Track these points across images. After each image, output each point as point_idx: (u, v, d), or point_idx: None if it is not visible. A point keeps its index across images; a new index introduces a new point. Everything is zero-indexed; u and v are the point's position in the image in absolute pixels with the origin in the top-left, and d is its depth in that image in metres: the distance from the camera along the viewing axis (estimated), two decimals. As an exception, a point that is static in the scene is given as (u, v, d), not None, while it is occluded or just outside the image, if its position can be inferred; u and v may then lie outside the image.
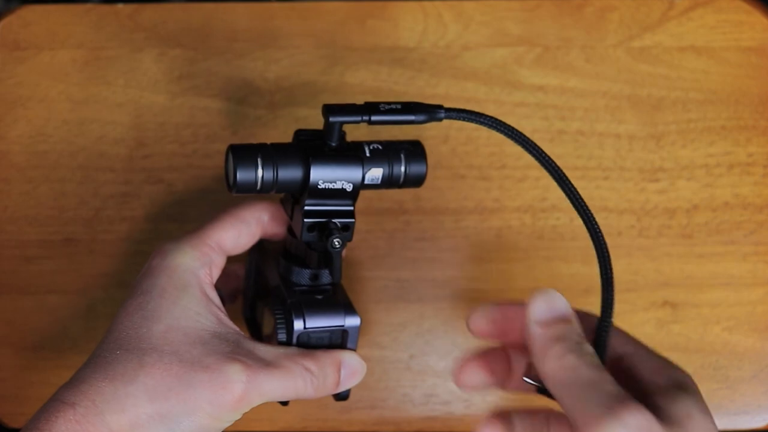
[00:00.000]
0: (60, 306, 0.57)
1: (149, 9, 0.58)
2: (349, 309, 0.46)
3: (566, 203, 0.58)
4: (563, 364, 0.40)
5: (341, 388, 0.46)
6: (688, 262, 0.57)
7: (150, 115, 0.58)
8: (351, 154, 0.45)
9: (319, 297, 0.46)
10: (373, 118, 0.43)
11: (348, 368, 0.46)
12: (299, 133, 0.46)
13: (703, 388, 0.57)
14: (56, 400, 0.41)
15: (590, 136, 0.58)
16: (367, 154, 0.46)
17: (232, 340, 0.44)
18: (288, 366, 0.44)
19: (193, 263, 0.46)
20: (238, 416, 0.44)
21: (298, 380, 0.44)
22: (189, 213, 0.57)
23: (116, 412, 0.41)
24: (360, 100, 0.44)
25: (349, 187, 0.45)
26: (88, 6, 0.59)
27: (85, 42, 0.58)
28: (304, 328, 0.45)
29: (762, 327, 0.57)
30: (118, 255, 0.57)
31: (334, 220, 0.45)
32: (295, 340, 0.46)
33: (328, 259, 0.46)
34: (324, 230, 0.45)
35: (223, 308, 0.46)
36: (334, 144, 0.45)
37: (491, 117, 0.44)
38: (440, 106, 0.44)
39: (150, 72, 0.58)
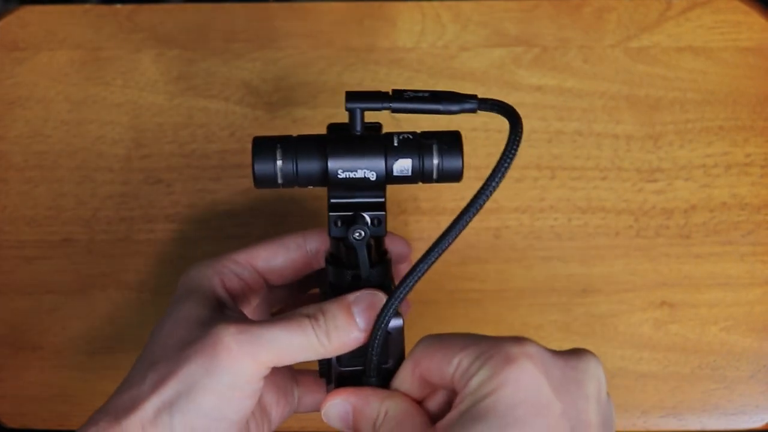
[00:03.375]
0: (59, 306, 0.57)
1: (147, 9, 0.58)
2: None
3: (564, 204, 0.58)
4: None
5: (362, 325, 0.42)
6: (686, 262, 0.57)
7: (148, 115, 0.58)
8: (373, 142, 0.42)
9: None
10: (394, 105, 0.40)
11: (360, 304, 0.42)
12: (331, 127, 0.44)
13: (701, 388, 0.57)
14: (87, 424, 0.41)
15: (588, 136, 0.58)
16: (395, 144, 0.42)
17: (234, 317, 0.42)
18: (286, 317, 0.41)
19: (205, 271, 0.45)
20: (246, 391, 0.41)
21: (300, 329, 0.41)
22: (187, 213, 0.58)
23: (129, 415, 0.40)
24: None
25: (372, 176, 0.42)
26: (87, 6, 0.59)
27: (83, 42, 0.58)
28: None
29: (760, 327, 0.57)
30: (117, 255, 0.57)
31: (362, 213, 0.42)
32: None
33: (354, 254, 0.43)
34: (351, 224, 0.42)
35: (238, 309, 0.45)
36: (357, 132, 0.42)
37: (518, 116, 0.40)
38: (474, 96, 0.41)
39: (148, 72, 0.58)
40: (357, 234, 0.42)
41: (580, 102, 0.58)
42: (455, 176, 0.43)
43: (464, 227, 0.39)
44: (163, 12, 0.58)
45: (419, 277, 0.39)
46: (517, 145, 0.39)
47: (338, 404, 0.43)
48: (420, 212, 0.58)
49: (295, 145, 0.42)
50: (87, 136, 0.58)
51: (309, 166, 0.42)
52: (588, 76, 0.58)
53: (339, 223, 0.43)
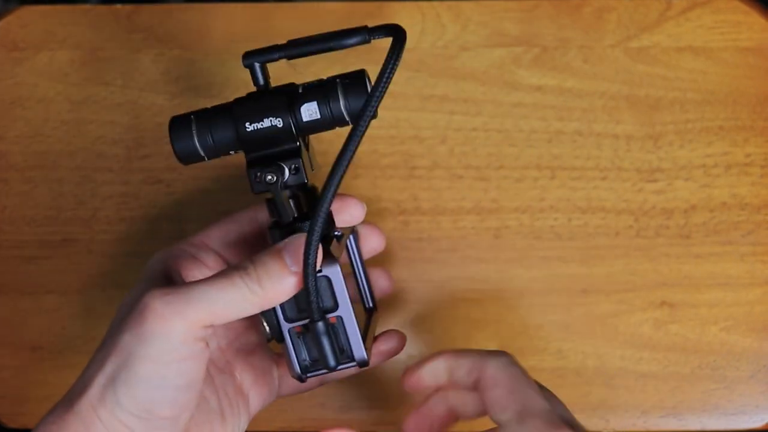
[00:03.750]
0: (58, 306, 0.57)
1: (147, 10, 0.58)
2: (330, 258, 0.43)
3: (564, 204, 0.58)
4: None
5: (294, 267, 0.40)
6: (686, 262, 0.57)
7: (148, 115, 0.58)
8: (277, 92, 0.43)
9: None
10: (290, 52, 0.42)
11: (290, 247, 0.41)
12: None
13: (701, 388, 0.57)
14: (46, 414, 0.42)
15: (588, 136, 0.58)
16: (300, 91, 0.43)
17: (162, 286, 0.41)
18: (216, 274, 0.40)
19: (159, 257, 0.46)
20: (183, 353, 0.39)
21: (229, 281, 0.40)
22: (187, 213, 0.58)
23: (81, 397, 0.40)
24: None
25: (279, 123, 0.42)
26: (87, 7, 0.59)
27: (83, 42, 0.58)
28: None
29: (760, 327, 0.57)
30: (117, 255, 0.57)
31: (279, 163, 0.42)
32: None
33: (275, 203, 0.43)
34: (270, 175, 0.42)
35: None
36: (261, 87, 0.43)
37: (403, 32, 0.41)
38: (364, 27, 0.42)
39: (148, 72, 0.58)
40: (269, 177, 0.42)
41: (580, 102, 0.58)
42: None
43: (360, 138, 0.39)
44: (163, 12, 0.58)
45: (331, 199, 0.39)
46: (398, 58, 0.40)
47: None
48: (420, 212, 0.58)
49: (207, 115, 0.43)
50: (87, 136, 0.58)
51: (222, 131, 0.43)
52: (588, 76, 0.58)
53: (258, 176, 0.42)
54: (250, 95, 0.44)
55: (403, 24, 0.58)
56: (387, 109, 0.57)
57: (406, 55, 0.58)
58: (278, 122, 0.43)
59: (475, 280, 0.58)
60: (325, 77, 0.44)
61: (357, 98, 0.43)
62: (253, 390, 0.48)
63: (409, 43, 0.58)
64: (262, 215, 0.49)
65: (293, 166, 0.43)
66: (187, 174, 0.58)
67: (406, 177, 0.58)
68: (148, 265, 0.46)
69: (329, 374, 0.46)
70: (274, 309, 0.43)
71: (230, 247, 0.48)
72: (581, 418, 0.58)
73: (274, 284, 0.40)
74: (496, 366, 0.44)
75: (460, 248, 0.57)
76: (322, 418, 0.57)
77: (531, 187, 0.58)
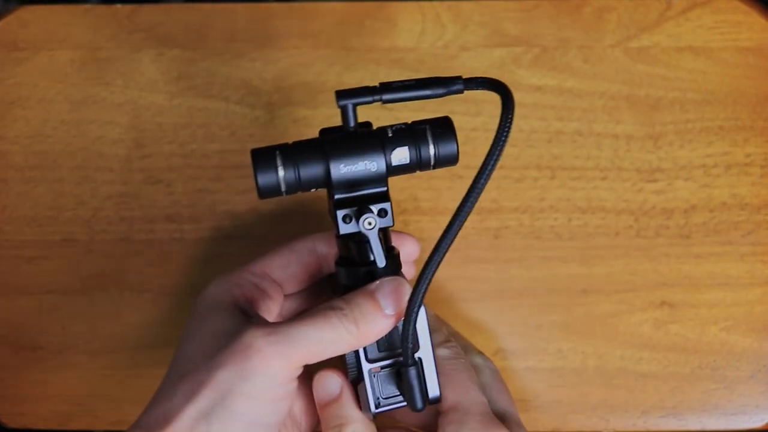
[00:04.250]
0: (59, 306, 0.57)
1: (147, 9, 0.58)
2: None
3: (564, 204, 0.58)
4: None
5: (389, 310, 0.42)
6: (686, 262, 0.57)
7: (148, 115, 0.58)
8: (369, 135, 0.43)
9: None
10: (385, 96, 0.42)
11: (383, 289, 0.42)
12: (323, 131, 0.45)
13: (701, 388, 0.57)
14: None
15: (588, 136, 0.58)
16: (390, 134, 0.43)
17: (261, 322, 0.42)
18: (311, 314, 0.41)
19: (222, 286, 0.46)
20: (280, 392, 0.41)
21: (326, 322, 0.41)
22: (187, 213, 0.58)
23: (164, 429, 0.40)
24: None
25: (373, 167, 0.43)
26: (87, 6, 0.59)
27: (83, 42, 0.58)
28: None
29: (760, 327, 0.57)
30: (117, 255, 0.58)
31: (369, 206, 0.43)
32: None
33: (368, 245, 0.43)
34: (359, 217, 0.42)
35: (262, 317, 0.45)
36: (351, 129, 0.43)
37: (508, 89, 0.42)
38: (458, 77, 0.42)
39: (148, 72, 0.58)
40: (368, 223, 0.42)
41: (580, 102, 0.58)
42: (451, 159, 0.44)
43: (479, 195, 0.41)
44: (163, 12, 0.58)
45: (446, 250, 0.41)
46: (512, 117, 0.40)
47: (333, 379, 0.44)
48: (420, 212, 0.58)
49: (293, 151, 0.43)
50: (87, 136, 0.58)
51: (310, 168, 0.43)
52: (588, 76, 0.58)
53: (348, 219, 0.43)
54: (342, 136, 0.43)
55: (403, 24, 0.59)
56: (387, 110, 0.57)
57: (406, 55, 0.58)
58: (372, 166, 0.43)
59: (475, 280, 0.58)
60: (408, 121, 0.44)
61: (446, 144, 0.44)
62: (305, 417, 0.48)
63: (409, 43, 0.59)
64: (321, 247, 0.48)
65: (382, 209, 0.43)
66: (187, 174, 0.58)
67: (406, 177, 0.57)
68: (210, 293, 0.46)
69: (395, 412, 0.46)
70: (357, 351, 0.44)
71: (291, 278, 0.48)
72: (581, 418, 0.58)
73: (369, 325, 0.41)
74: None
75: (460, 248, 0.57)
76: (322, 418, 0.57)
77: (531, 187, 0.58)
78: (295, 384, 0.41)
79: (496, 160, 0.41)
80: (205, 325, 0.44)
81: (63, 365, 0.57)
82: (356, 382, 0.45)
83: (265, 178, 0.42)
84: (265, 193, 0.43)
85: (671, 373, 0.57)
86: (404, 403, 0.44)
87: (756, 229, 0.58)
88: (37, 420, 0.58)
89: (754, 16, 0.58)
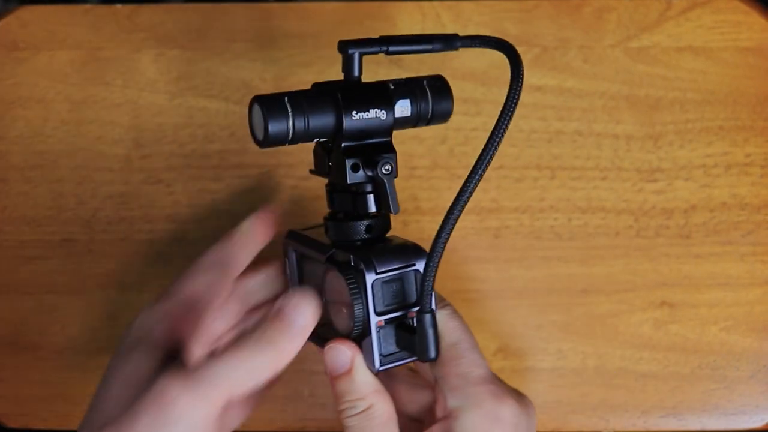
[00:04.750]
0: (58, 306, 0.57)
1: (147, 9, 0.58)
2: (418, 249, 0.44)
3: (564, 204, 0.58)
4: (342, 418, 0.43)
5: (300, 321, 0.41)
6: (686, 262, 0.57)
7: (148, 115, 0.58)
8: (376, 85, 0.44)
9: (381, 244, 0.45)
10: (391, 48, 0.43)
11: (289, 304, 0.41)
12: (317, 84, 0.45)
13: (701, 388, 0.57)
14: None
15: (588, 136, 0.58)
16: (391, 86, 0.44)
17: (179, 365, 0.41)
18: (226, 346, 0.40)
19: (151, 318, 0.45)
20: (208, 430, 0.39)
21: (241, 351, 0.40)
22: (187, 213, 0.58)
23: None
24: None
25: (383, 116, 0.43)
26: (87, 6, 0.59)
27: (83, 42, 0.58)
28: (376, 273, 0.43)
29: (760, 327, 0.57)
30: (117, 255, 0.58)
31: (375, 156, 0.43)
32: (370, 293, 0.43)
33: (382, 192, 0.43)
34: (369, 164, 0.43)
35: (188, 350, 0.44)
36: (356, 77, 0.43)
37: (506, 43, 0.43)
38: (456, 35, 0.44)
39: (148, 72, 0.58)
40: (386, 168, 0.43)
41: (580, 102, 0.58)
42: (446, 114, 0.46)
43: (493, 153, 0.42)
44: (163, 12, 0.58)
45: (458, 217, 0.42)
46: (522, 73, 0.42)
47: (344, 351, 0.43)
48: (420, 212, 0.58)
49: (302, 99, 0.43)
50: (87, 136, 0.58)
51: (321, 117, 0.43)
52: (588, 76, 0.58)
53: (356, 168, 0.43)
54: (351, 84, 0.43)
55: (403, 24, 0.59)
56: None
57: (406, 55, 0.58)
58: (382, 114, 0.43)
59: (475, 279, 0.58)
60: (403, 77, 0.45)
61: (442, 100, 0.45)
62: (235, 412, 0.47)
63: (409, 43, 0.59)
64: (260, 290, 0.49)
65: (388, 159, 0.44)
66: (187, 174, 0.58)
67: (406, 177, 0.58)
68: (137, 326, 0.45)
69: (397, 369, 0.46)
70: (365, 303, 0.43)
71: (224, 310, 0.48)
72: (581, 418, 0.58)
73: (286, 344, 0.41)
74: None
75: (459, 248, 0.57)
76: (323, 418, 0.57)
77: (531, 187, 0.58)
78: (221, 420, 0.40)
79: (512, 113, 0.42)
80: (127, 366, 0.43)
81: (63, 365, 0.57)
82: (360, 338, 0.44)
83: (275, 126, 0.42)
84: (269, 141, 0.42)
85: (671, 373, 0.57)
86: (407, 360, 0.44)
87: (756, 229, 0.58)
88: (37, 420, 0.58)
89: (754, 16, 0.58)
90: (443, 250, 0.42)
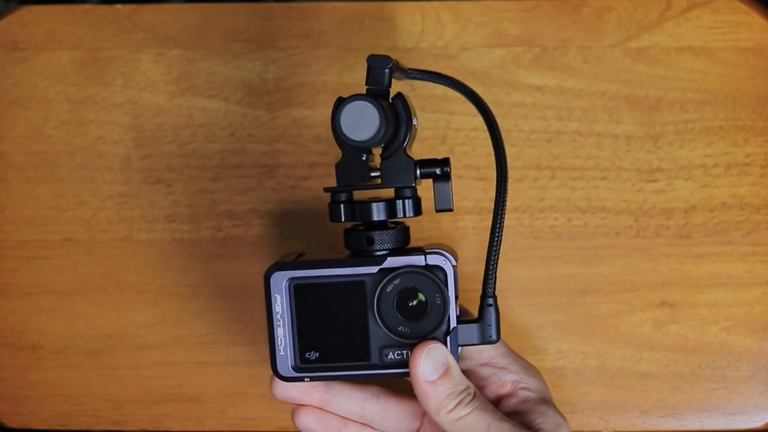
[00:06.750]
0: (58, 306, 0.57)
1: (147, 9, 0.58)
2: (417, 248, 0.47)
3: (564, 204, 0.58)
4: (456, 415, 0.44)
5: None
6: (686, 262, 0.57)
7: (148, 115, 0.58)
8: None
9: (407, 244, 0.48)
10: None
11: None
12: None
13: (701, 388, 0.57)
14: None
15: (588, 136, 0.58)
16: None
17: None
18: None
19: None
20: None
21: None
22: (187, 213, 0.58)
23: None
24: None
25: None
26: (87, 6, 0.59)
27: (83, 42, 0.58)
28: (452, 264, 0.46)
29: (759, 327, 0.57)
30: (117, 255, 0.58)
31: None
32: (452, 282, 0.46)
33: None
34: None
35: None
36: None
37: (447, 76, 0.47)
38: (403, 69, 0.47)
39: (148, 72, 0.58)
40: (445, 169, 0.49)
41: (580, 102, 0.58)
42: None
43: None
44: (163, 12, 0.58)
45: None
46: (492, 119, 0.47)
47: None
48: (420, 212, 0.58)
49: (387, 107, 0.45)
50: (87, 136, 0.58)
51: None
52: (588, 76, 0.58)
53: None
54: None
55: (403, 24, 0.59)
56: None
57: (406, 55, 0.58)
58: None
59: (476, 280, 0.58)
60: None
61: None
62: None
63: (409, 43, 0.59)
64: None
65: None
66: (187, 174, 0.58)
67: (406, 177, 0.58)
68: None
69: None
70: (448, 295, 0.46)
71: None
72: (581, 418, 0.58)
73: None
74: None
75: (460, 248, 0.57)
76: (322, 418, 0.57)
77: (531, 187, 0.58)
78: None
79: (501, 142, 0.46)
80: None
81: (63, 365, 0.57)
82: (445, 333, 0.46)
83: (378, 131, 0.43)
84: (369, 143, 0.44)
85: (671, 373, 0.57)
86: (472, 344, 0.46)
87: (756, 229, 0.58)
88: (37, 420, 0.58)
89: (754, 16, 0.58)
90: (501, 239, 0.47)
